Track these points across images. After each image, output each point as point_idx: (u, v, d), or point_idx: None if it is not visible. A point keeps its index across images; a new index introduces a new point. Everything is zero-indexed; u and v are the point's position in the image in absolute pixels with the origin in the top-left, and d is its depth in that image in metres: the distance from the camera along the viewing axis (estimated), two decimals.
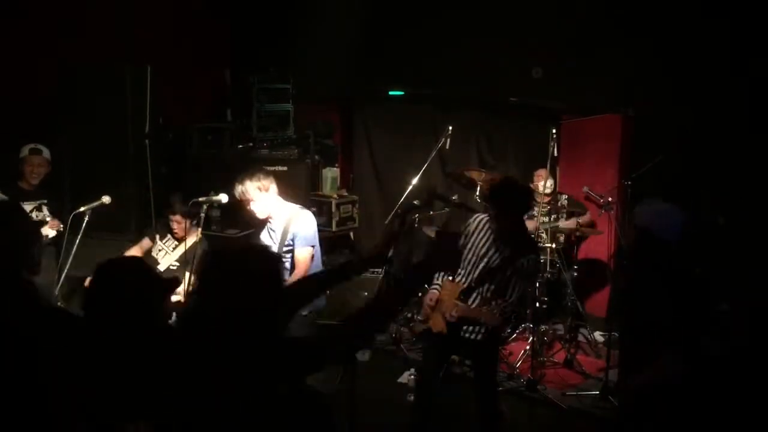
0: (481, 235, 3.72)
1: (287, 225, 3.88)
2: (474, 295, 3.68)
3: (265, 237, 4.05)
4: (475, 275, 3.68)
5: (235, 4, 6.90)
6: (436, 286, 3.77)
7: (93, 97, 4.68)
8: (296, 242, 3.87)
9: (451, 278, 3.77)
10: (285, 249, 3.88)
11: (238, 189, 3.84)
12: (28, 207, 4.38)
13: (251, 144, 6.13)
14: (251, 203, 3.86)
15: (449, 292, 3.70)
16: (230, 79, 6.77)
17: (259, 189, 3.84)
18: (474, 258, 3.71)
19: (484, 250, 3.69)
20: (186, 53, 6.19)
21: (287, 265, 3.88)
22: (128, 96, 4.93)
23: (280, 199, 3.99)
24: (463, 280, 3.73)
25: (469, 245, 3.75)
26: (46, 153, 4.60)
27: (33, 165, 4.55)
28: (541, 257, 5.26)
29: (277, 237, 3.92)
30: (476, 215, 3.89)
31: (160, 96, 5.09)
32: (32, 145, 4.53)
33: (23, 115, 4.06)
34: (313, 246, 3.94)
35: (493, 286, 3.64)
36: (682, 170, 5.08)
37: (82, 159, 5.08)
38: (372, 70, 6.49)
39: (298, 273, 3.83)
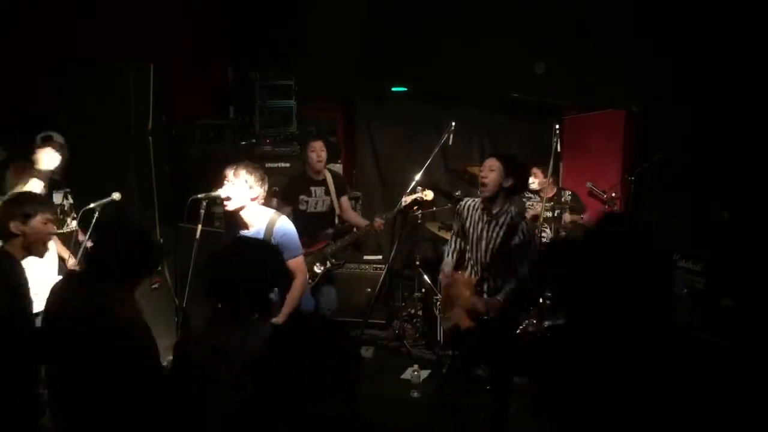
0: (475, 218, 3.89)
1: (268, 232, 3.68)
2: (486, 284, 3.82)
3: None
4: (480, 259, 3.85)
5: (238, 0, 6.90)
6: (447, 279, 3.92)
7: (95, 94, 4.66)
8: (286, 253, 3.50)
9: (465, 270, 3.93)
10: None
11: (233, 169, 3.63)
12: (57, 196, 4.30)
13: (254, 140, 6.13)
14: (228, 185, 3.62)
15: (465, 285, 3.82)
16: (233, 75, 6.76)
17: (247, 181, 3.61)
18: (476, 240, 3.88)
19: (480, 232, 3.86)
20: (188, 50, 6.19)
21: None
22: (131, 93, 4.92)
23: (260, 207, 3.76)
24: (473, 264, 3.89)
25: (468, 228, 3.92)
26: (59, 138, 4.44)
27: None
28: None
29: None
30: (464, 199, 4.06)
31: (163, 93, 5.08)
32: (44, 134, 4.40)
33: (24, 115, 4.05)
34: (302, 253, 3.80)
35: (500, 269, 3.80)
36: (685, 165, 5.07)
37: (85, 157, 5.07)
38: (374, 66, 6.48)
39: (302, 279, 3.73)
